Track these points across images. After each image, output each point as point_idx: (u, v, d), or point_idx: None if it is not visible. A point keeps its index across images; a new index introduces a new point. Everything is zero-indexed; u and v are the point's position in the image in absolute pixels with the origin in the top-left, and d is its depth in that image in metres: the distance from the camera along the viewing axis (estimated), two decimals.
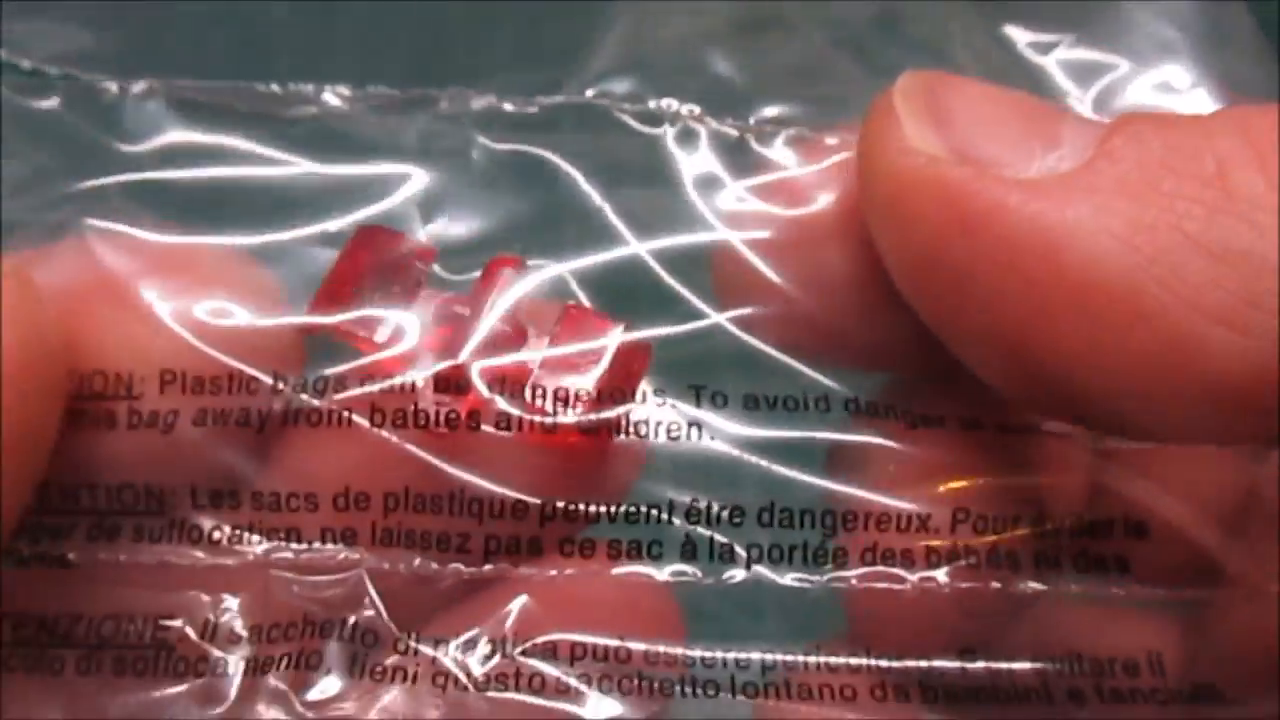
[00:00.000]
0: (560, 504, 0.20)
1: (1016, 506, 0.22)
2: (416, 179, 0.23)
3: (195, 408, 0.20)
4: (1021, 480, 0.22)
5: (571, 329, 0.21)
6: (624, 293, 0.23)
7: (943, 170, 0.17)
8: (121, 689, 0.20)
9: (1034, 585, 0.21)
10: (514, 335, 0.21)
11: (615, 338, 0.21)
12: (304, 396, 0.20)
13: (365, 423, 0.20)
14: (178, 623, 0.20)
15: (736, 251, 0.22)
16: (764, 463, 0.21)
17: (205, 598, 0.20)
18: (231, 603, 0.20)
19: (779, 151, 0.24)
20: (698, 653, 0.21)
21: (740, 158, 0.24)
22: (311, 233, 0.23)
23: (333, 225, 0.23)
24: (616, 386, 0.21)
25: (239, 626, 0.20)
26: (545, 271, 0.22)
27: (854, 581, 0.21)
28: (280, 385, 0.20)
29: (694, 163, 0.24)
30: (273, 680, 0.20)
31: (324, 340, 0.21)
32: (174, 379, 0.20)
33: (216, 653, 0.20)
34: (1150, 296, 0.16)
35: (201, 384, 0.20)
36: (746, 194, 0.24)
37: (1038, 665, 0.21)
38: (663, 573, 0.21)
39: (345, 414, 0.20)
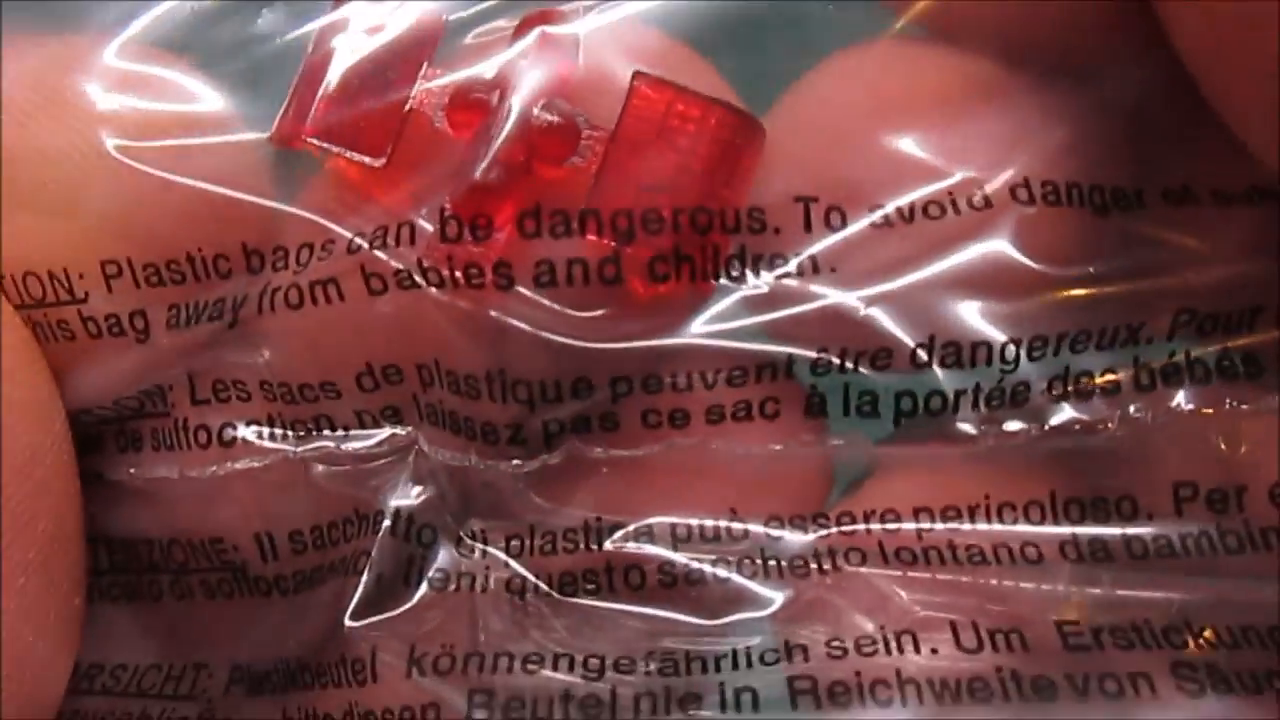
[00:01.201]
0: (635, 378, 0.15)
1: (1252, 294, 0.15)
2: None
3: (164, 304, 0.15)
4: (1248, 254, 0.15)
5: (644, 114, 0.14)
6: (720, 42, 0.15)
7: None
8: (220, 613, 0.17)
9: None
10: (561, 131, 0.15)
11: (712, 127, 0.14)
12: (284, 273, 0.15)
13: (363, 290, 0.15)
14: (231, 544, 0.16)
15: None
16: (903, 289, 0.15)
17: (244, 509, 0.16)
18: (275, 508, 0.16)
19: None
20: (833, 521, 0.16)
21: None
22: None
23: None
24: (713, 207, 0.14)
25: (289, 535, 0.16)
26: (597, 20, 0.15)
27: (1049, 427, 0.15)
28: (255, 263, 0.15)
29: None
30: (327, 594, 0.16)
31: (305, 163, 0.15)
32: (119, 270, 0.15)
33: (281, 570, 0.17)
34: None
35: (158, 272, 0.15)
36: None
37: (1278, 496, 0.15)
38: (781, 441, 0.15)
39: (334, 288, 0.15)
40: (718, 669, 0.15)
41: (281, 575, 0.17)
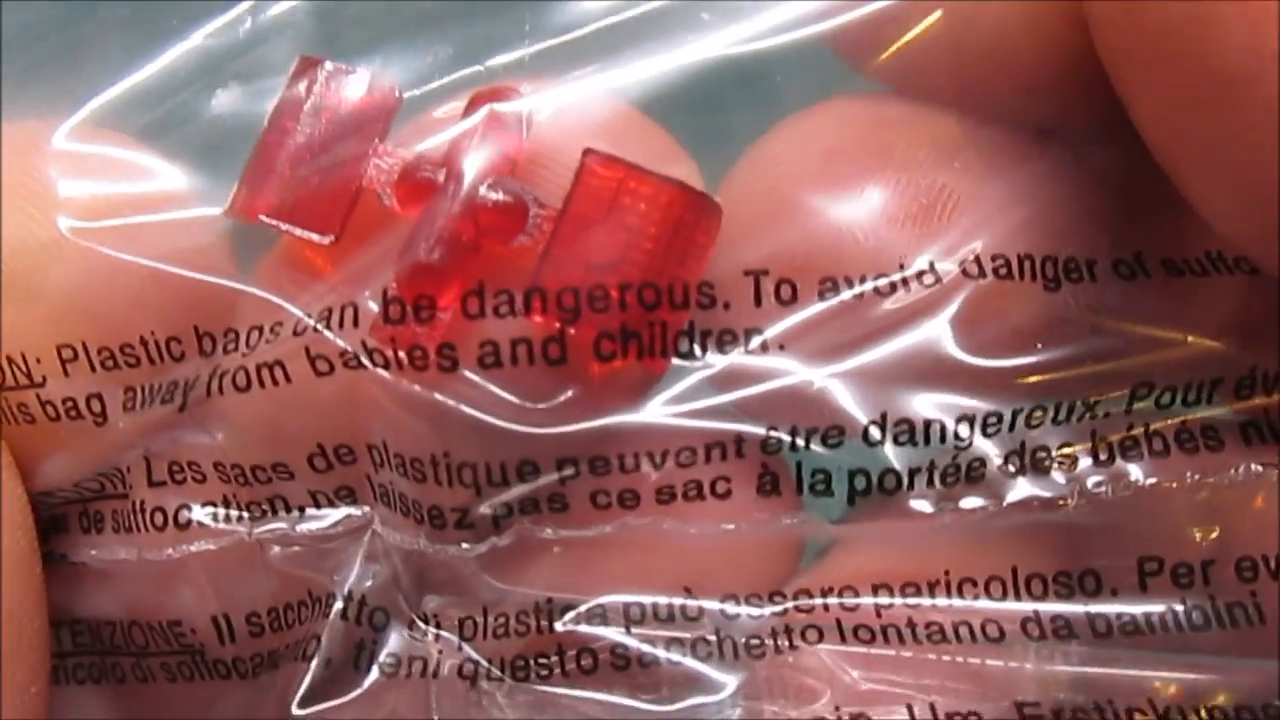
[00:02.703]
0: (582, 460, 0.14)
1: (1210, 367, 0.15)
2: None
3: (119, 386, 0.15)
4: (1204, 329, 0.15)
5: (594, 192, 0.14)
6: (677, 101, 0.15)
7: None
8: (182, 696, 0.17)
9: (1247, 468, 0.15)
10: (510, 209, 0.14)
11: (663, 204, 0.14)
12: (234, 355, 0.15)
13: (309, 372, 0.14)
14: (189, 626, 0.16)
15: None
16: (854, 367, 0.14)
17: (201, 592, 0.16)
18: (232, 590, 0.16)
19: None
20: (789, 600, 0.15)
21: None
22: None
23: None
24: (660, 283, 0.14)
25: (247, 618, 0.16)
26: (548, 91, 0.15)
27: (1007, 504, 0.15)
28: (208, 346, 0.15)
29: None
30: (281, 679, 0.16)
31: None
32: (75, 354, 0.15)
33: (240, 653, 0.16)
34: None
35: (113, 356, 0.15)
36: None
37: (1245, 570, 0.15)
38: (734, 520, 0.15)
39: (280, 370, 0.14)
40: None
41: (240, 658, 0.16)
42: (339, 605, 0.16)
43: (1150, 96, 0.13)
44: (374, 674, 0.15)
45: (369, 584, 0.16)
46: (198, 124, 0.16)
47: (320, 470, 0.15)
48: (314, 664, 0.15)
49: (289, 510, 0.16)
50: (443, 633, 0.15)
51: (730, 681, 0.15)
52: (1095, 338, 0.15)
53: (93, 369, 0.15)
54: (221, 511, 0.16)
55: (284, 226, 0.14)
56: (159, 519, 0.16)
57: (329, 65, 0.15)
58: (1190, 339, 0.15)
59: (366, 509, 0.16)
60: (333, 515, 0.16)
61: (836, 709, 0.14)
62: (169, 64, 0.16)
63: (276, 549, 0.16)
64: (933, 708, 0.14)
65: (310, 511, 0.16)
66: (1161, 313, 0.15)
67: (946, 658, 0.15)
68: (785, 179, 0.15)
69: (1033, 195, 0.15)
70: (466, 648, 0.15)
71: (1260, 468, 0.15)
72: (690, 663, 0.15)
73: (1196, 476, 0.15)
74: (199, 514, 0.16)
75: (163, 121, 0.16)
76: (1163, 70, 0.13)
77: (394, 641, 0.16)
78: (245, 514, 0.16)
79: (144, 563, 0.16)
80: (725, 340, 0.14)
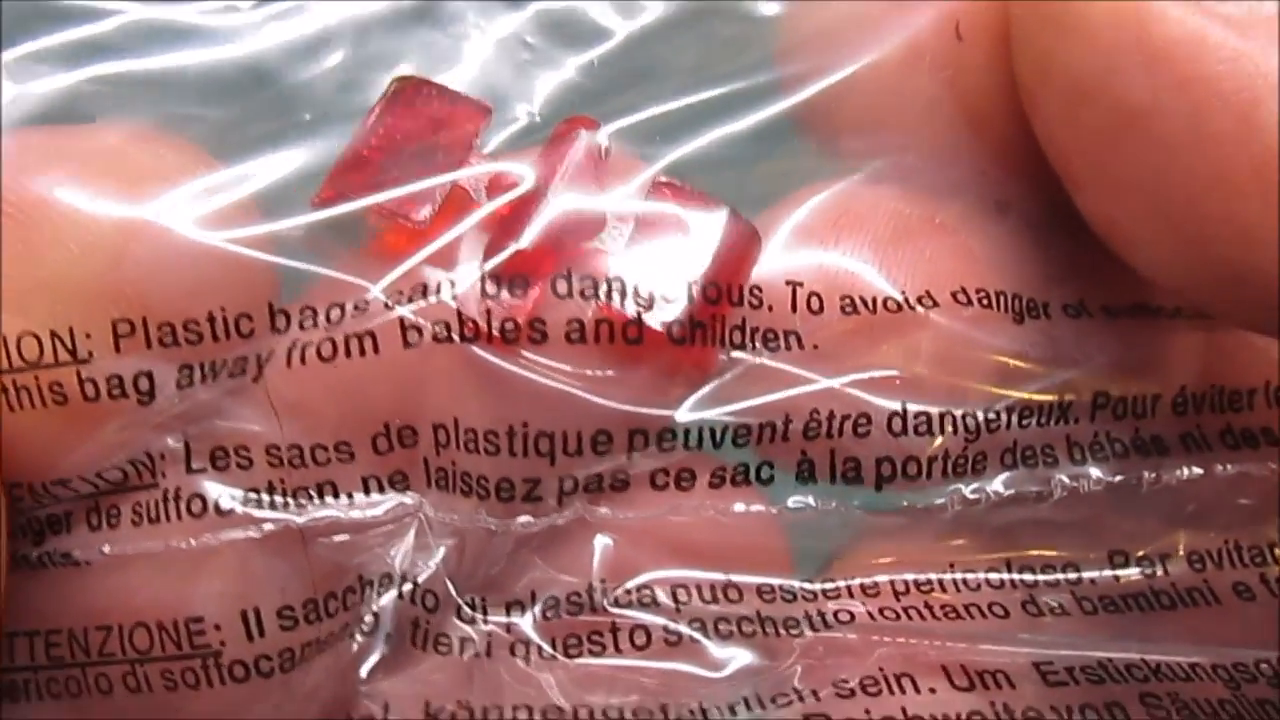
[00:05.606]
0: (651, 433, 0.16)
1: (1149, 383, 0.17)
2: None
3: (174, 364, 0.15)
4: (1147, 358, 0.18)
5: (663, 206, 0.16)
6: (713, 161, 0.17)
7: None
8: (177, 707, 0.16)
9: (1188, 470, 0.17)
10: (589, 218, 0.16)
11: (719, 223, 0.16)
12: (312, 330, 0.15)
13: (398, 342, 0.15)
14: (211, 623, 0.15)
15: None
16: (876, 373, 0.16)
17: (227, 584, 0.15)
18: (264, 582, 0.15)
19: None
20: (817, 585, 0.16)
21: None
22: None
23: None
24: (721, 282, 0.16)
25: (278, 611, 0.16)
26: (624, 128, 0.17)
27: (999, 490, 0.17)
28: (281, 322, 0.15)
29: None
30: (328, 659, 0.15)
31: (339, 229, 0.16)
32: (132, 329, 0.14)
33: (265, 650, 0.15)
34: None
35: (173, 332, 0.15)
36: None
37: (1195, 561, 0.17)
38: (781, 505, 0.16)
39: (370, 340, 0.15)
40: (733, 713, 0.15)
41: (265, 655, 0.16)
42: (396, 584, 0.16)
43: (1074, 142, 0.16)
44: (429, 653, 0.15)
45: (417, 569, 0.16)
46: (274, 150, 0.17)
47: (381, 452, 0.16)
48: (379, 639, 0.15)
49: (337, 496, 0.16)
50: (492, 614, 0.16)
51: (777, 653, 0.16)
52: (1055, 361, 0.18)
53: (148, 345, 0.15)
54: (268, 498, 0.16)
55: (390, 213, 0.15)
56: (196, 506, 0.16)
57: (427, 80, 0.16)
58: (1129, 371, 0.18)
59: (416, 496, 0.16)
60: (385, 502, 0.16)
61: (881, 670, 0.15)
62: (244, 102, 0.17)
63: (320, 539, 0.16)
64: (965, 670, 0.16)
65: (359, 498, 0.16)
66: (1104, 346, 0.18)
67: (965, 631, 0.16)
68: (801, 230, 0.17)
69: (1000, 248, 0.18)
70: (520, 625, 0.16)
71: (1200, 470, 0.17)
72: (738, 637, 0.16)
73: (1151, 475, 0.17)
74: (243, 500, 0.16)
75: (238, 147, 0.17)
76: (1080, 114, 0.15)
77: (446, 623, 0.16)
78: (292, 500, 0.16)
79: (164, 557, 0.16)
80: (769, 337, 0.16)
